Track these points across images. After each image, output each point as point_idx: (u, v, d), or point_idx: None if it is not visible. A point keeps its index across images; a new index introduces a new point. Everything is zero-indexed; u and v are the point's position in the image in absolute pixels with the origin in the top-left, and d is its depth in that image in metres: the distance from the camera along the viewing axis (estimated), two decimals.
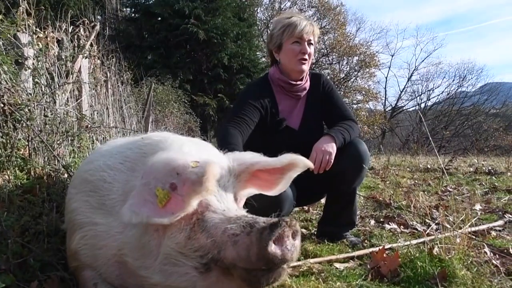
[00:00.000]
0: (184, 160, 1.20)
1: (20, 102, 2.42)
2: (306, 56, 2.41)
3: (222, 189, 1.32)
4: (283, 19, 2.46)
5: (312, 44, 2.45)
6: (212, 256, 1.17)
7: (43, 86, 2.97)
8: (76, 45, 4.06)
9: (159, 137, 1.48)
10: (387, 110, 28.14)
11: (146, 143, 1.48)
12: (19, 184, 2.20)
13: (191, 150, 1.39)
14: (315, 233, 2.65)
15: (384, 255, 1.96)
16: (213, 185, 1.16)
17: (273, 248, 1.10)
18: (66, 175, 2.44)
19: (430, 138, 4.59)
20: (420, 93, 28.08)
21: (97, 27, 4.65)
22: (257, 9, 21.57)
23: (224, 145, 2.09)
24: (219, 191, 1.31)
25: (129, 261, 1.30)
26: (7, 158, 2.25)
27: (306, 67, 2.45)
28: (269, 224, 1.12)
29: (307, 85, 2.53)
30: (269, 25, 23.20)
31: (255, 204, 1.58)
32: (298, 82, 2.48)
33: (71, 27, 4.08)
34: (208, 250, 1.17)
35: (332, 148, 2.23)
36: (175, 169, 1.19)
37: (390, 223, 2.91)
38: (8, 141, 2.34)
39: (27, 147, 2.44)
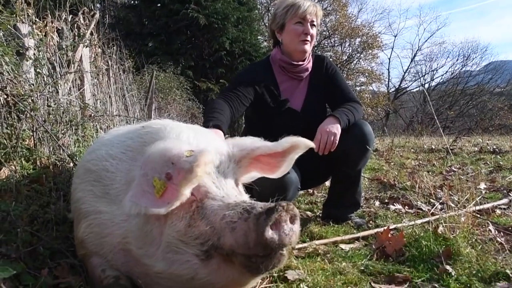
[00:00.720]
0: (179, 149, 1.20)
1: (23, 93, 2.43)
2: (309, 37, 2.42)
3: (221, 176, 1.32)
4: (287, 0, 2.46)
5: (314, 25, 2.46)
6: (212, 243, 1.17)
7: (45, 76, 2.97)
8: (76, 34, 4.05)
9: (158, 125, 1.47)
10: (390, 91, 27.98)
11: (146, 131, 1.48)
12: (26, 174, 2.22)
13: (189, 137, 1.38)
14: (320, 215, 2.68)
15: (389, 235, 1.98)
16: (203, 171, 1.16)
17: (270, 233, 1.09)
18: (71, 164, 2.46)
19: (436, 118, 4.57)
20: (423, 74, 27.89)
21: (97, 16, 4.62)
22: None
23: (208, 112, 2.11)
24: (218, 177, 1.31)
25: (133, 249, 1.31)
26: (12, 149, 2.27)
27: (308, 47, 2.44)
28: (265, 209, 1.11)
29: (309, 66, 2.52)
30: (269, 8, 22.94)
31: (259, 190, 1.59)
32: (300, 63, 2.48)
33: (71, 16, 4.06)
34: (208, 237, 1.18)
35: (337, 129, 2.23)
36: (170, 159, 1.19)
37: (394, 204, 2.93)
38: (13, 132, 2.35)
39: (32, 137, 2.46)
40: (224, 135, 1.92)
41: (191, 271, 1.21)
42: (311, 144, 1.45)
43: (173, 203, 1.17)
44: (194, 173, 1.13)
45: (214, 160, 1.30)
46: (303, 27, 2.40)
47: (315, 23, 2.45)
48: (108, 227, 1.38)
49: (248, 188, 1.54)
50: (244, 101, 2.32)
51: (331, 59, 3.23)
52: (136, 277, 1.35)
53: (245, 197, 1.39)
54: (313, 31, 2.45)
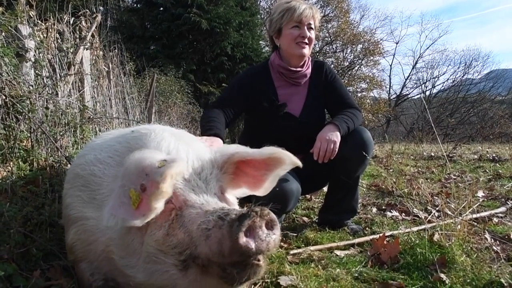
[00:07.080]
0: (152, 160, 1.16)
1: (21, 94, 2.44)
2: (306, 40, 2.40)
3: (203, 182, 1.28)
4: (282, 4, 2.45)
5: (312, 28, 2.43)
6: (190, 252, 1.14)
7: (44, 78, 2.98)
8: (78, 36, 4.06)
9: (146, 130, 1.44)
10: (391, 98, 27.99)
11: (133, 136, 1.44)
12: (22, 175, 2.22)
13: (169, 145, 1.34)
14: (317, 221, 2.67)
15: (385, 242, 1.98)
16: (169, 186, 1.12)
17: (244, 240, 1.05)
18: (68, 166, 2.46)
19: (434, 126, 4.58)
20: (425, 81, 27.90)
21: (99, 18, 4.63)
22: None
23: (205, 121, 2.16)
24: (198, 184, 1.27)
25: (116, 259, 1.29)
26: (10, 150, 2.27)
27: (306, 51, 2.43)
28: (238, 215, 1.08)
29: (308, 71, 2.51)
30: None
31: (258, 199, 1.57)
32: (299, 69, 2.47)
33: (73, 18, 4.08)
34: (186, 246, 1.14)
35: (337, 136, 2.22)
36: (144, 170, 1.15)
37: (392, 210, 2.92)
38: (11, 133, 2.36)
39: (30, 138, 2.46)
40: (223, 142, 1.94)
41: (170, 282, 1.18)
42: (297, 162, 1.39)
43: (147, 215, 1.13)
44: (160, 188, 1.09)
45: (184, 170, 1.24)
46: (299, 31, 2.38)
47: (312, 26, 2.43)
48: (94, 233, 1.36)
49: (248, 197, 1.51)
50: (237, 108, 2.37)
51: (332, 65, 3.22)
52: (122, 287, 1.33)
53: (223, 204, 1.30)
54: (311, 34, 2.42)
